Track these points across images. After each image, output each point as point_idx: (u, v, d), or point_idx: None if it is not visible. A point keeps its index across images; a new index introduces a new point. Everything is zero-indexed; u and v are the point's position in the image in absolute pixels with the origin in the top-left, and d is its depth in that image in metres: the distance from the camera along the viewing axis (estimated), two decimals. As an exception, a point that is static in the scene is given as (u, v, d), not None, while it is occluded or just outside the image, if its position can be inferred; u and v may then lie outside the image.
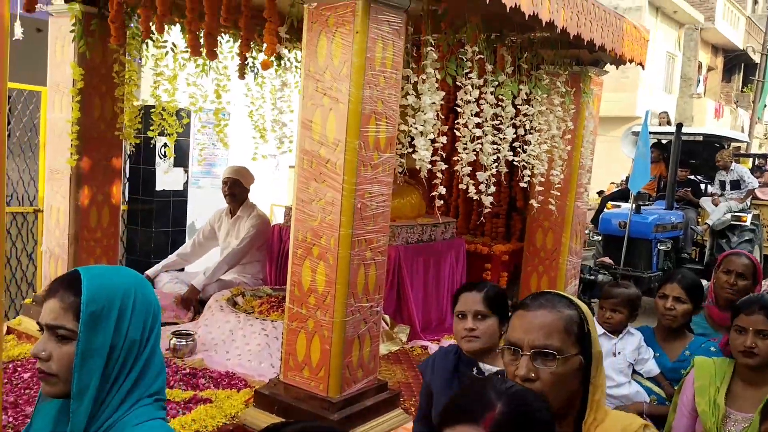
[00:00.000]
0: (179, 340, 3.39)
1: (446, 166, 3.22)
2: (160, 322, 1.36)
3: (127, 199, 6.23)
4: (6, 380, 3.06)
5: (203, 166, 6.76)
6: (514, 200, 4.99)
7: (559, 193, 4.05)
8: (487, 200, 3.33)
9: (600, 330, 2.88)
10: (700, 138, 11.12)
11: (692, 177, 11.45)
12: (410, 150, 2.94)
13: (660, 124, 13.64)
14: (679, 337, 2.87)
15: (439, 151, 3.03)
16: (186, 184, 6.49)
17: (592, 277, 6.72)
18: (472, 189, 3.27)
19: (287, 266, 4.16)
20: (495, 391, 1.07)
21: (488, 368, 2.09)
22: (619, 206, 10.75)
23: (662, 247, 9.41)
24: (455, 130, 3.12)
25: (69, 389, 1.22)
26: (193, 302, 4.08)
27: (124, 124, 3.67)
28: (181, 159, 6.28)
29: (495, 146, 3.35)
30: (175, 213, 6.35)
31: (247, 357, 3.33)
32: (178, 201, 6.34)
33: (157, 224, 6.17)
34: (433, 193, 3.08)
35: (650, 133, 11.40)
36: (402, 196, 4.21)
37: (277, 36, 2.92)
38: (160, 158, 6.30)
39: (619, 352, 2.90)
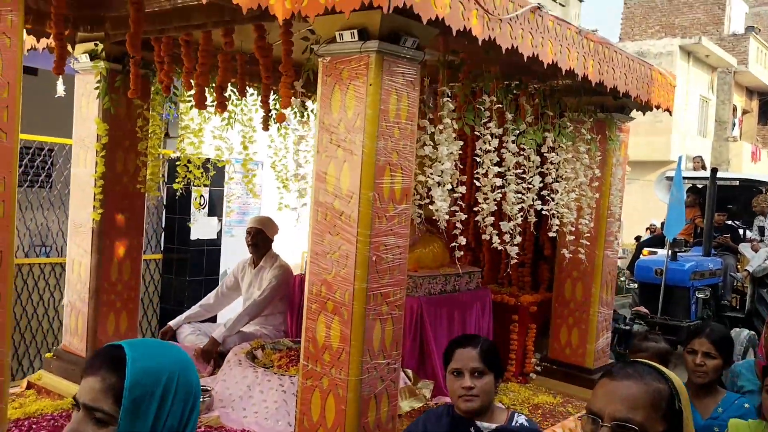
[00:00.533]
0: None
1: (466, 216, 3.15)
2: (199, 406, 1.28)
3: (162, 248, 6.36)
4: (21, 437, 3.02)
5: (236, 215, 6.84)
6: (541, 249, 4.87)
7: (588, 243, 3.92)
8: (513, 251, 3.23)
9: None
10: (737, 183, 10.90)
11: (730, 222, 11.19)
12: (428, 200, 2.88)
13: (695, 169, 13.44)
14: (711, 393, 2.77)
15: (459, 201, 2.97)
16: (219, 233, 6.60)
17: (627, 327, 6.50)
18: (495, 239, 3.18)
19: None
20: None
21: (486, 426, 2.01)
22: (655, 252, 10.55)
23: (701, 295, 9.14)
24: (475, 180, 3.06)
25: None
26: (214, 355, 4.02)
27: (147, 177, 3.70)
28: (215, 209, 6.39)
29: (519, 195, 3.27)
30: (208, 262, 6.48)
31: (264, 415, 3.24)
32: (211, 250, 6.45)
33: (192, 273, 6.28)
34: (453, 244, 3.01)
35: (685, 178, 11.24)
36: (424, 246, 4.13)
37: (293, 88, 2.93)
38: (195, 209, 6.47)
39: None
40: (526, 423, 2.14)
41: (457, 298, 4.17)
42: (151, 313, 6.27)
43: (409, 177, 2.67)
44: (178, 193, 4.28)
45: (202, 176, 3.93)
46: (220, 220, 6.57)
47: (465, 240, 3.00)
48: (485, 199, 3.12)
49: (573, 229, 4.00)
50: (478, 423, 1.99)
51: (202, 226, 6.34)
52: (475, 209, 3.12)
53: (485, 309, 4.40)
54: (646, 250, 11.63)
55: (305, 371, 2.66)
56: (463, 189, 2.96)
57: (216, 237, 6.55)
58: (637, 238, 13.94)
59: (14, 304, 5.09)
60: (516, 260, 3.31)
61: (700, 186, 10.96)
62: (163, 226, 6.38)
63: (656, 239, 11.34)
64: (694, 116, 20.98)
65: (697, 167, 13.21)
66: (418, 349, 3.89)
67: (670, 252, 8.94)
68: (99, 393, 1.16)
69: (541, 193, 3.52)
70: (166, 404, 1.18)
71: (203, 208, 6.47)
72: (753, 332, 7.74)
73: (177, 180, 3.89)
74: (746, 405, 2.67)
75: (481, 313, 4.36)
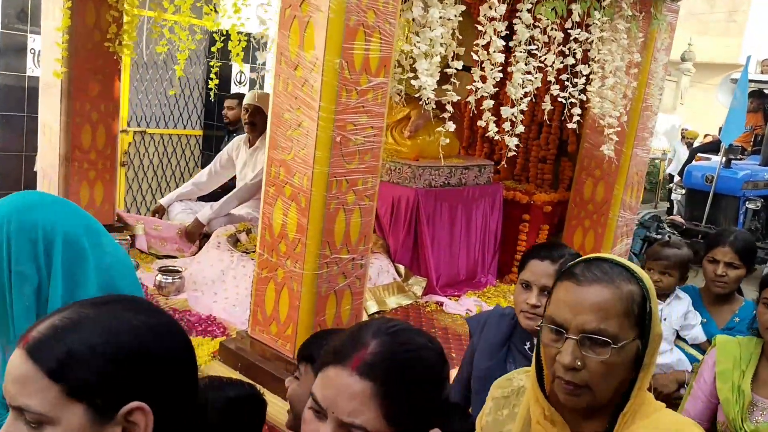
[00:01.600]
0: (165, 276, 3.12)
1: (459, 98, 2.71)
2: (75, 250, 1.20)
3: (202, 125, 6.40)
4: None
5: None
6: (566, 144, 4.39)
7: (617, 138, 3.44)
8: (512, 142, 2.79)
9: None
10: None
11: None
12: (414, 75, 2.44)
13: (762, 72, 12.55)
14: (728, 302, 2.61)
15: (453, 79, 2.52)
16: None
17: (659, 237, 6.07)
18: (492, 127, 2.75)
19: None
20: (372, 330, 0.97)
21: None
22: (709, 159, 10.00)
23: (751, 206, 8.77)
24: (473, 54, 2.58)
25: None
26: (197, 236, 3.81)
27: (119, 34, 3.31)
28: (254, 85, 6.24)
29: (528, 77, 2.79)
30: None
31: (233, 301, 3.03)
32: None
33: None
34: (441, 129, 2.60)
35: (751, 81, 10.40)
36: (429, 133, 3.72)
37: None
38: (235, 84, 6.35)
39: (665, 318, 2.59)
40: None
41: (462, 192, 3.80)
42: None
43: (389, 44, 2.23)
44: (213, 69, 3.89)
45: (188, 40, 3.52)
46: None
47: (454, 126, 2.59)
48: (482, 77, 2.65)
49: (612, 122, 3.49)
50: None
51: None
52: (470, 87, 2.67)
53: (495, 206, 4.03)
54: (699, 156, 11.07)
55: (261, 260, 2.38)
56: (459, 64, 2.51)
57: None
58: (700, 145, 13.20)
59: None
60: (514, 153, 2.87)
61: (766, 91, 10.09)
62: (204, 101, 6.25)
63: (713, 145, 10.68)
64: (772, 14, 19.11)
65: (767, 71, 12.31)
66: (411, 244, 3.59)
67: (723, 158, 8.45)
68: None
69: (561, 77, 3.02)
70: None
71: (242, 85, 6.23)
72: None
73: (161, 42, 3.50)
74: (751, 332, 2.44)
75: (490, 210, 4.00)
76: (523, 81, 2.78)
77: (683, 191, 9.41)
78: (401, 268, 3.58)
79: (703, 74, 18.75)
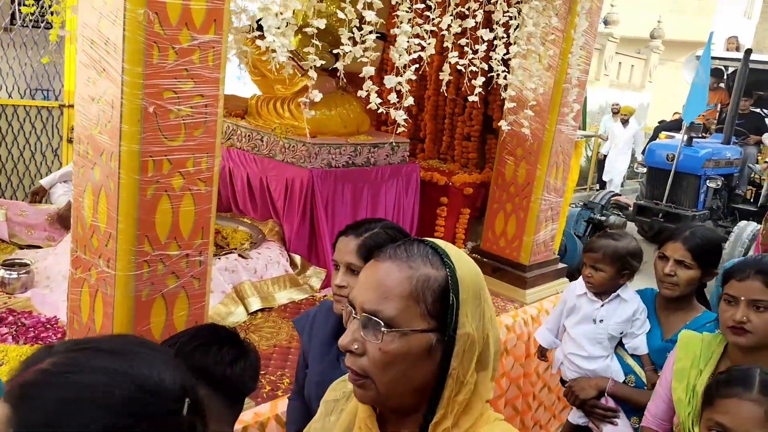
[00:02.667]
0: (9, 271, 2.71)
1: (323, 62, 2.32)
2: None
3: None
4: None
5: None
6: (491, 120, 4.03)
7: (532, 113, 3.08)
8: (399, 116, 2.42)
9: (582, 289, 2.33)
10: None
11: (756, 110, 10.37)
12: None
13: (728, 50, 12.45)
14: (682, 309, 2.24)
15: (315, 40, 2.13)
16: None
17: (603, 219, 5.79)
18: (374, 98, 2.37)
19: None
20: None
21: None
22: (673, 137, 9.93)
23: (711, 184, 8.69)
24: (340, 11, 2.18)
25: None
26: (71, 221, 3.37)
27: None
28: None
29: (416, 41, 2.41)
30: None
31: (83, 300, 2.62)
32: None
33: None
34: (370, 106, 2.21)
35: (714, 58, 10.23)
36: (329, 107, 3.32)
37: None
38: None
39: (600, 320, 2.30)
40: None
41: (369, 172, 3.42)
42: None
43: (219, -7, 1.83)
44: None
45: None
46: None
47: (320, 96, 2.20)
48: (350, 38, 2.26)
49: (528, 95, 3.13)
50: None
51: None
52: (335, 51, 2.28)
53: (410, 187, 3.66)
54: (663, 134, 10.93)
55: (74, 258, 1.98)
56: (322, 23, 2.11)
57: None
58: (661, 122, 12.97)
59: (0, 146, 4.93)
60: (405, 127, 2.49)
61: (731, 69, 9.93)
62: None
63: (677, 123, 10.52)
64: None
65: (732, 48, 12.24)
66: (308, 231, 3.21)
67: (685, 137, 8.29)
68: None
69: (461, 43, 2.64)
70: None
71: None
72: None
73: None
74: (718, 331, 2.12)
75: (405, 193, 3.63)
76: (410, 46, 2.39)
77: (645, 170, 9.31)
78: (297, 258, 3.21)
79: (675, 52, 18.58)
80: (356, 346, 0.97)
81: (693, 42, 17.27)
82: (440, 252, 0.99)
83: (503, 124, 3.06)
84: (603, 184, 11.35)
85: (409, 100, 2.47)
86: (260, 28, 2.01)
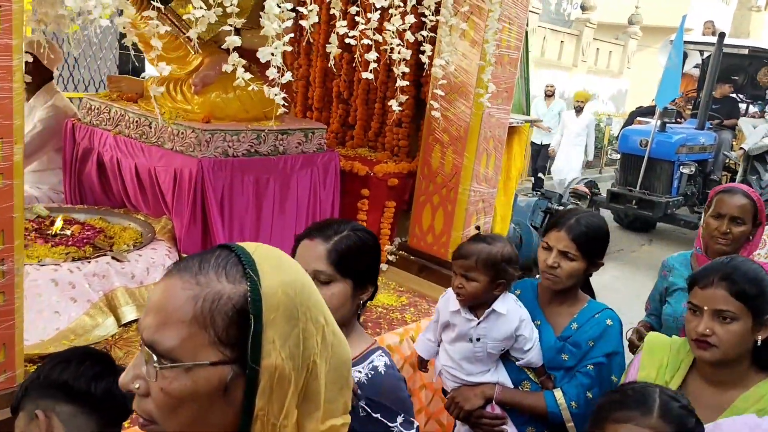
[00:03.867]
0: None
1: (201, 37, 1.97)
2: None
3: None
4: None
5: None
6: (425, 103, 3.68)
7: (441, 92, 2.73)
8: (274, 94, 2.07)
9: (455, 305, 2.01)
10: (746, 51, 9.70)
11: (733, 95, 10.25)
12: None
13: (704, 35, 12.34)
14: (567, 302, 2.05)
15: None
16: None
17: (561, 208, 5.48)
18: (241, 73, 2.01)
19: (83, 178, 3.04)
20: None
21: None
22: (648, 123, 9.86)
23: (685, 170, 8.62)
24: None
25: None
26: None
27: None
28: None
29: (289, 5, 2.05)
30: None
31: None
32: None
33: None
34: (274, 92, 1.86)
35: (687, 42, 10.10)
36: (227, 89, 2.96)
37: None
38: None
39: (477, 339, 2.00)
40: (383, 370, 1.49)
41: (276, 162, 3.06)
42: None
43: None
44: None
45: None
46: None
47: (282, 78, 1.85)
48: (220, 3, 1.90)
49: (437, 72, 2.78)
50: None
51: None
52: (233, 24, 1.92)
53: (328, 178, 3.31)
54: (638, 120, 10.77)
55: None
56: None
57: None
58: (638, 108, 12.78)
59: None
60: (285, 110, 2.14)
61: (706, 54, 9.77)
62: None
63: (653, 109, 10.36)
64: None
65: (707, 33, 12.15)
66: (200, 229, 2.85)
67: (659, 122, 8.21)
68: None
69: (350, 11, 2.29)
70: None
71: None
72: None
73: None
74: (609, 321, 1.99)
75: (322, 184, 3.28)
76: (282, 11, 2.04)
77: (618, 156, 9.22)
78: (189, 259, 2.85)
79: (653, 38, 18.35)
80: (138, 386, 0.80)
81: (672, 28, 17.00)
82: (244, 261, 0.81)
83: (393, 104, 2.64)
84: (539, 181, 9.92)
85: (287, 76, 2.12)
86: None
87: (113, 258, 2.60)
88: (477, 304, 1.99)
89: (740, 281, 1.52)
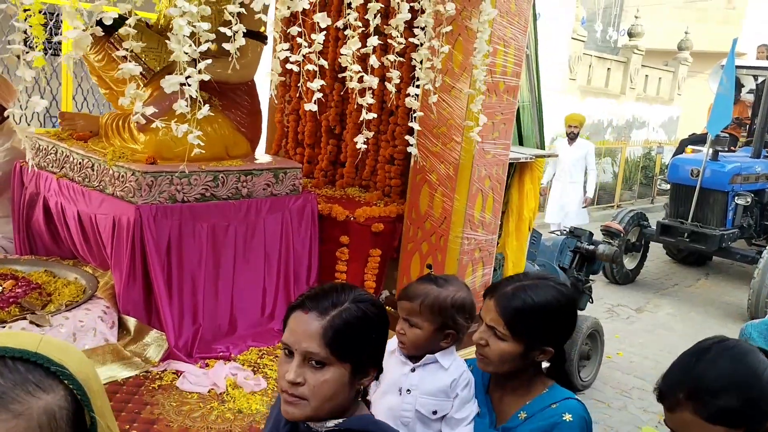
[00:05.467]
0: None
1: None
2: None
3: None
4: None
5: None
6: (417, 138, 3.26)
7: (418, 127, 2.30)
8: (182, 130, 1.69)
9: (393, 344, 1.69)
10: None
11: None
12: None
13: (758, 59, 11.73)
14: (523, 387, 1.58)
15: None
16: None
17: (592, 248, 4.93)
18: (139, 107, 1.64)
19: (31, 225, 2.74)
20: None
21: (319, 425, 1.23)
22: (700, 151, 9.33)
23: (740, 201, 8.12)
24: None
25: None
26: None
27: None
28: None
29: (203, 24, 1.68)
30: None
31: None
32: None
33: None
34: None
35: (740, 67, 9.66)
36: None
37: None
38: None
39: (408, 390, 1.65)
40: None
41: (238, 207, 2.69)
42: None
43: None
44: None
45: None
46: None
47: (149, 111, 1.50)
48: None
49: (410, 102, 2.36)
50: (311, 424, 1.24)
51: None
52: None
53: (303, 224, 2.91)
54: (689, 149, 10.21)
55: None
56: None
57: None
58: (691, 136, 12.11)
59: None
60: (200, 146, 1.75)
61: (761, 79, 9.23)
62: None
63: (705, 137, 9.79)
64: (774, -2, 17.95)
65: (762, 57, 11.55)
66: (141, 286, 2.48)
67: (710, 150, 7.62)
68: None
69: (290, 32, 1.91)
70: None
71: None
72: None
73: None
74: (567, 416, 1.48)
75: (295, 231, 2.89)
76: (194, 33, 1.67)
77: (668, 186, 8.72)
78: (131, 321, 2.47)
79: (704, 63, 17.55)
80: None
81: (723, 53, 16.28)
82: (42, 362, 0.72)
83: (359, 140, 2.21)
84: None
85: (204, 110, 1.75)
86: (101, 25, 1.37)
87: (31, 323, 2.24)
88: (415, 355, 1.66)
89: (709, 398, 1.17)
